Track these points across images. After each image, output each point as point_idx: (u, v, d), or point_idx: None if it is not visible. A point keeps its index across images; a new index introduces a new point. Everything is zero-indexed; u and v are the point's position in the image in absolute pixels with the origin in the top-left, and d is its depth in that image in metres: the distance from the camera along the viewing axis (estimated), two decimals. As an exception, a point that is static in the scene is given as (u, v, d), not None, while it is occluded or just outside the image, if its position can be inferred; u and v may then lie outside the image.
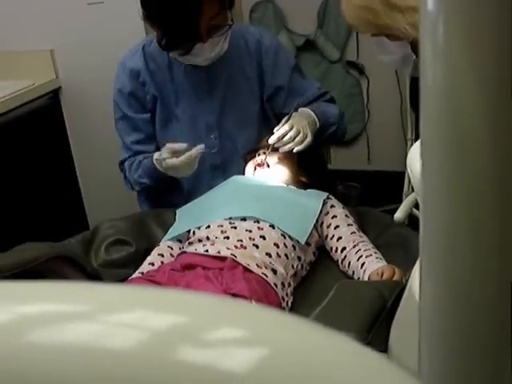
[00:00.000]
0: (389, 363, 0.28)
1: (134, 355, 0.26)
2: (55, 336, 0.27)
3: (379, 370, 0.27)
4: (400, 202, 1.58)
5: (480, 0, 0.36)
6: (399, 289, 1.17)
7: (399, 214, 1.10)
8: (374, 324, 1.09)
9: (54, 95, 2.41)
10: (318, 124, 1.72)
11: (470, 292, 0.42)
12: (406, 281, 1.24)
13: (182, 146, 1.67)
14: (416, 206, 1.13)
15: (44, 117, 2.39)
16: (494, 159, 0.38)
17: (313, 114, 1.73)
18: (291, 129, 1.64)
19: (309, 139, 1.65)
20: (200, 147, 1.65)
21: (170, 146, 1.69)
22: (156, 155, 1.74)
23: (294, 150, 1.64)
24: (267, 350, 0.26)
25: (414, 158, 0.84)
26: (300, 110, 1.74)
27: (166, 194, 1.89)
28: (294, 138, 1.63)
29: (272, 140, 1.65)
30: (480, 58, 0.37)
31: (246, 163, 1.77)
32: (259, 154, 1.71)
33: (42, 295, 0.31)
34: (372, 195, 2.11)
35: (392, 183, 2.19)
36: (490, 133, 0.38)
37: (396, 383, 0.27)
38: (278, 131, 1.64)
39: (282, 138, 1.63)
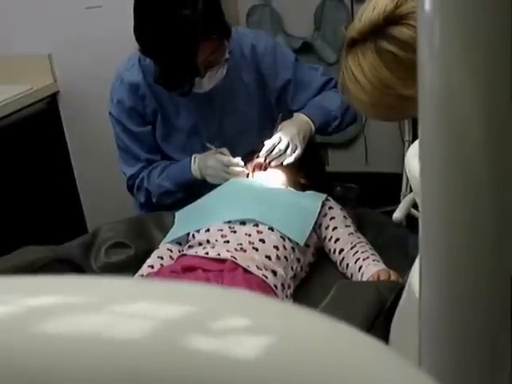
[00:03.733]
0: (391, 350, 0.28)
1: (143, 344, 0.26)
2: (64, 327, 0.28)
3: (383, 355, 0.28)
4: (398, 203, 1.58)
5: (477, 2, 0.36)
6: (398, 288, 1.18)
7: (398, 214, 1.10)
8: (373, 323, 1.09)
9: (52, 99, 2.41)
10: (313, 127, 1.73)
11: (468, 289, 0.43)
12: (404, 281, 1.25)
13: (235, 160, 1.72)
14: (414, 205, 1.14)
15: (42, 121, 2.39)
16: (491, 160, 0.39)
17: (306, 118, 1.73)
18: (280, 141, 1.66)
19: (298, 151, 1.67)
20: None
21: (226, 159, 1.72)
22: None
23: (284, 163, 1.66)
24: (274, 338, 0.26)
25: (412, 158, 0.84)
26: (295, 115, 1.75)
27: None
28: (285, 151, 1.66)
29: (262, 154, 1.68)
30: (477, 61, 0.37)
31: (245, 166, 1.77)
32: (258, 157, 1.72)
33: (50, 288, 0.31)
34: (370, 196, 2.11)
35: (390, 184, 2.20)
36: (488, 134, 0.38)
37: (401, 369, 0.28)
38: (266, 145, 1.66)
39: (272, 151, 1.65)
